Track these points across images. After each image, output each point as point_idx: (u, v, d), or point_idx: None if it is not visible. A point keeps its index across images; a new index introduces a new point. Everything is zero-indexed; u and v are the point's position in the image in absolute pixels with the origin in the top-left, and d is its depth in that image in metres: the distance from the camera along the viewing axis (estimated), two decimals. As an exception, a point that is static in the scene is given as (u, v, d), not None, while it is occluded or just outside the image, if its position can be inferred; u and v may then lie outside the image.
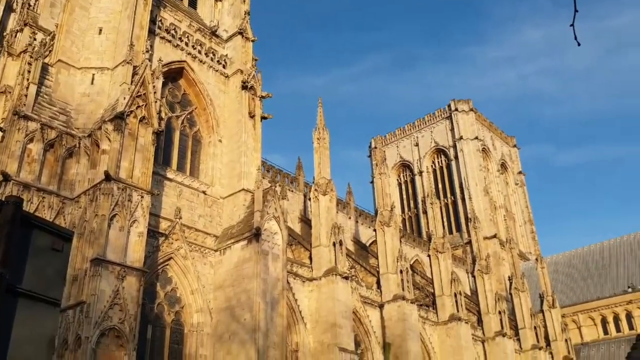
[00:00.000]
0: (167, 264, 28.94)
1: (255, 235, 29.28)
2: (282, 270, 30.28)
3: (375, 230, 45.45)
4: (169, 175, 30.63)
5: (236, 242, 30.13)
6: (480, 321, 49.92)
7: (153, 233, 28.01)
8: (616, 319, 59.17)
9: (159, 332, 27.87)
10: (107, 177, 24.37)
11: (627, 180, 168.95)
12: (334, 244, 36.16)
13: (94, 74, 29.12)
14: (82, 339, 21.86)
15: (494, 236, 67.04)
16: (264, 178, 36.70)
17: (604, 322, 59.86)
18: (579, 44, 6.42)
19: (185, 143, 32.75)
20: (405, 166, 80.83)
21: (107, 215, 23.87)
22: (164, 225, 29.10)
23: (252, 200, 30.76)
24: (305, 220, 46.83)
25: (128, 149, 25.58)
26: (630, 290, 58.41)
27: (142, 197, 25.30)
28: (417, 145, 79.48)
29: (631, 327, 55.74)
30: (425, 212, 72.89)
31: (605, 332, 59.54)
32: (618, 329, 58.75)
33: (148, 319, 27.17)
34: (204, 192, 31.75)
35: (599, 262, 65.00)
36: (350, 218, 55.49)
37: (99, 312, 22.28)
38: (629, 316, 57.76)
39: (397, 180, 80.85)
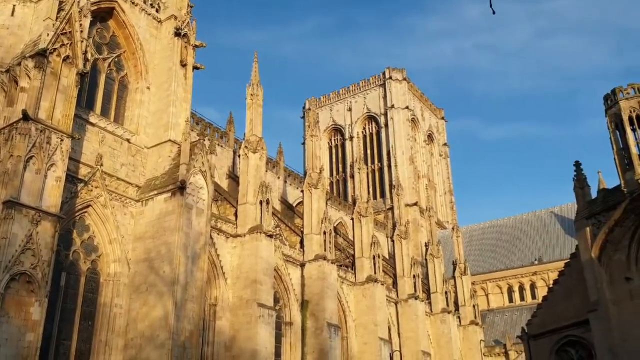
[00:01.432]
0: (85, 211, 28.11)
1: (180, 188, 28.85)
2: (205, 225, 30.11)
3: (302, 191, 45.86)
4: (92, 119, 29.46)
5: (159, 193, 29.60)
6: (395, 284, 51.95)
7: (72, 178, 27.07)
8: (521, 289, 63.17)
9: (74, 280, 27.22)
10: (25, 117, 23.16)
11: (545, 160, 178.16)
12: (261, 203, 36.25)
13: (14, 5, 27.20)
14: (-10, 282, 21.06)
15: (415, 204, 69.35)
16: (192, 130, 36.01)
17: (510, 290, 63.76)
18: (493, 12, 6.73)
19: (111, 87, 31.48)
20: (337, 130, 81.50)
21: (23, 156, 22.80)
22: (83, 171, 28.13)
23: (178, 152, 30.17)
24: (233, 177, 46.54)
25: (49, 88, 24.33)
26: (536, 262, 62.29)
27: (61, 140, 24.26)
28: (350, 110, 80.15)
29: (534, 297, 59.64)
30: (352, 177, 74.18)
31: (511, 300, 63.52)
32: (522, 298, 62.79)
33: (62, 266, 26.47)
34: (127, 140, 30.79)
35: (510, 234, 68.76)
36: (279, 178, 55.61)
37: (9, 256, 21.48)
38: (533, 286, 61.77)
39: (328, 143, 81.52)
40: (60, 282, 26.18)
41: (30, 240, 22.17)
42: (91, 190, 28.11)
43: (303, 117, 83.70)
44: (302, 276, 40.93)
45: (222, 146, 48.26)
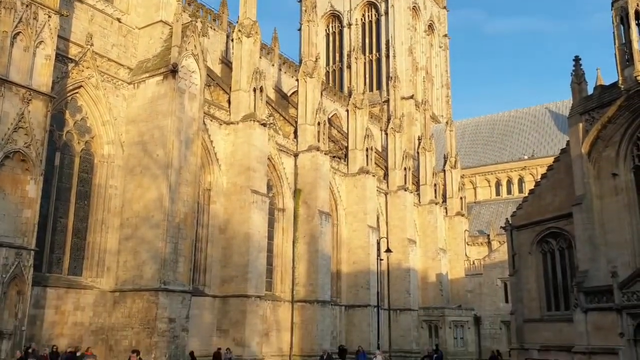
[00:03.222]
0: (77, 92, 27.80)
1: (172, 71, 28.37)
2: (198, 110, 29.95)
3: (297, 80, 45.21)
4: (80, -4, 28.28)
5: (151, 76, 29.14)
6: (386, 175, 52.85)
7: (62, 58, 26.50)
8: (509, 183, 64.36)
9: (68, 160, 27.49)
10: (9, -10, 22.15)
11: (546, 56, 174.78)
12: (255, 90, 35.79)
13: None
14: (-15, 159, 21.23)
15: (411, 97, 68.68)
16: (184, 11, 34.77)
17: (498, 184, 65.01)
18: None
19: (99, -38, 29.91)
20: (335, 16, 78.61)
21: (9, 32, 22.13)
22: (74, 50, 27.46)
23: (170, 34, 29.33)
24: (226, 63, 45.56)
25: (33, -41, 23.07)
26: (526, 157, 62.95)
27: (49, 16, 23.43)
28: (349, -7, 76.79)
29: (521, 191, 60.72)
30: (349, 67, 72.80)
31: (498, 193, 64.95)
32: (509, 192, 64.12)
33: (56, 146, 26.64)
34: (118, 20, 29.80)
35: (503, 129, 68.86)
36: (273, 65, 54.51)
37: (2, 134, 21.55)
38: (521, 181, 62.90)
39: (326, 31, 78.93)
40: (55, 161, 26.47)
41: (22, 119, 22.10)
42: (82, 71, 27.62)
43: (300, 1, 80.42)
44: (296, 166, 41.42)
45: (214, 29, 46.79)
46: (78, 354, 22.36)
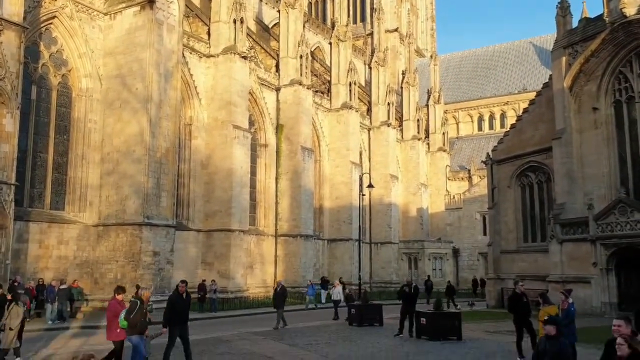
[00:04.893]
0: (50, 23, 26.86)
1: (150, 1, 27.45)
2: (177, 42, 29.19)
3: (279, 11, 44.02)
4: None
5: (128, 7, 28.18)
6: (369, 111, 52.64)
7: (32, -14, 25.38)
8: (491, 118, 64.55)
9: (45, 93, 26.88)
10: None
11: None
12: (235, 21, 34.87)
13: None
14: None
15: (396, 30, 67.42)
16: (160, -62, 33.16)
17: (480, 120, 65.21)
18: None
19: None
20: (317, -55, 75.77)
21: (-25, -42, 21.03)
22: (45, -22, 26.30)
23: (146, -39, 28.12)
24: (205, -7, 44.02)
25: None
26: (516, 92, 62.64)
27: (16, -59, 22.27)
28: None
29: (503, 126, 60.95)
30: (332, -2, 70.78)
31: (480, 128, 65.25)
32: (491, 127, 64.41)
33: (32, 79, 25.97)
34: (91, -55, 28.44)
35: (487, 64, 68.31)
36: (254, -5, 52.79)
37: (-26, 67, 20.85)
38: (503, 116, 63.10)
39: (308, -40, 76.23)
40: (32, 95, 25.88)
41: (-5, 51, 21.39)
42: (55, 0, 26.55)
43: None
44: (278, 100, 40.97)
45: (193, -42, 44.89)
46: (64, 286, 22.64)
